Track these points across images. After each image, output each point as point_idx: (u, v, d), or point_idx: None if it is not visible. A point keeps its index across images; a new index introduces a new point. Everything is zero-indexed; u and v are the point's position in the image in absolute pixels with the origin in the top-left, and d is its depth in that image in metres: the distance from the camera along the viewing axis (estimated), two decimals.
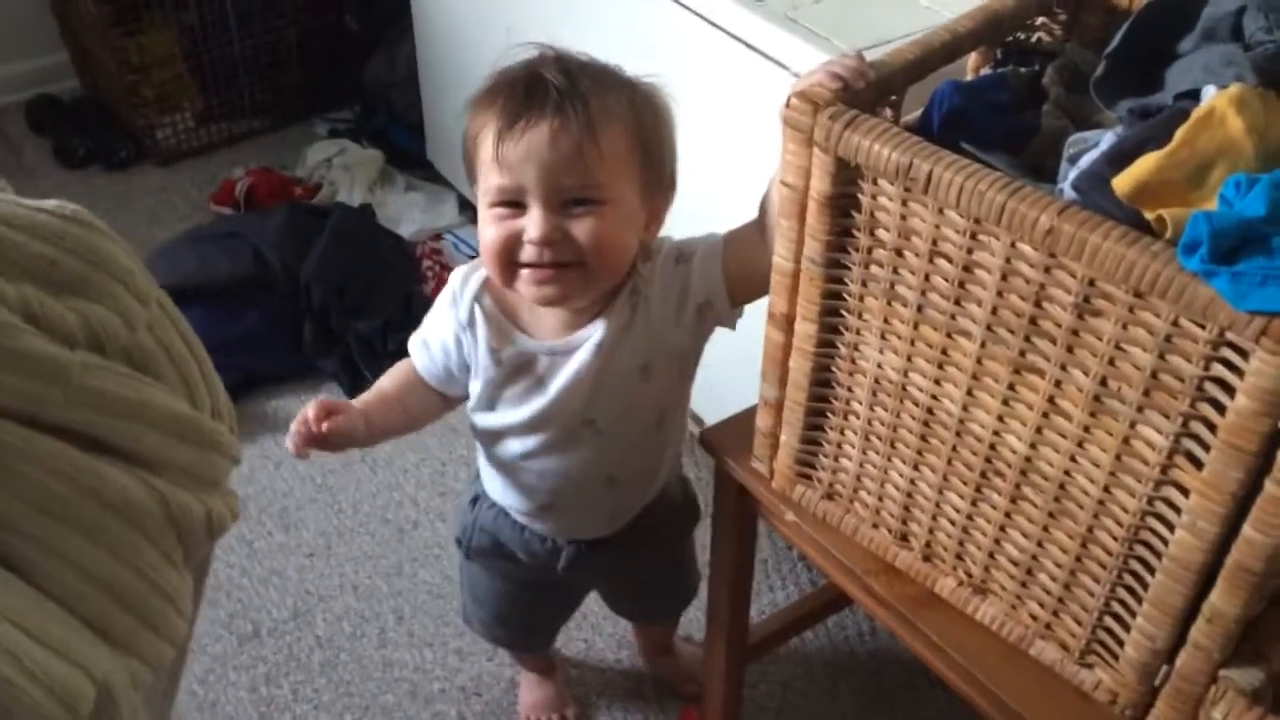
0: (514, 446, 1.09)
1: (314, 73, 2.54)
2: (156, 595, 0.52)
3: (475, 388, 1.07)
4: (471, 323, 1.05)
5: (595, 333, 1.02)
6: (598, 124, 0.94)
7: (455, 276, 1.07)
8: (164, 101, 2.43)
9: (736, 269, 1.01)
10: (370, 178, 2.32)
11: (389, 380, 1.10)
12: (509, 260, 0.97)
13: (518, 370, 1.05)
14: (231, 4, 2.37)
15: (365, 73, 2.45)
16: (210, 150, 2.50)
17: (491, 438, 1.10)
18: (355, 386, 1.90)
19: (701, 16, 1.41)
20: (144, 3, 2.28)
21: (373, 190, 2.30)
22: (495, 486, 1.17)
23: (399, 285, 2.04)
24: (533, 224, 0.95)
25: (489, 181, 0.97)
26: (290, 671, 1.51)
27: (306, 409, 1.03)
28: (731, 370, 1.19)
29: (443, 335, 1.07)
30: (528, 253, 0.96)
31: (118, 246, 0.50)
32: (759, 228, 0.99)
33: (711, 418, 1.19)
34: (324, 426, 1.01)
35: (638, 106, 0.99)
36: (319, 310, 1.94)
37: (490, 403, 1.07)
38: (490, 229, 0.97)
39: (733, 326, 1.06)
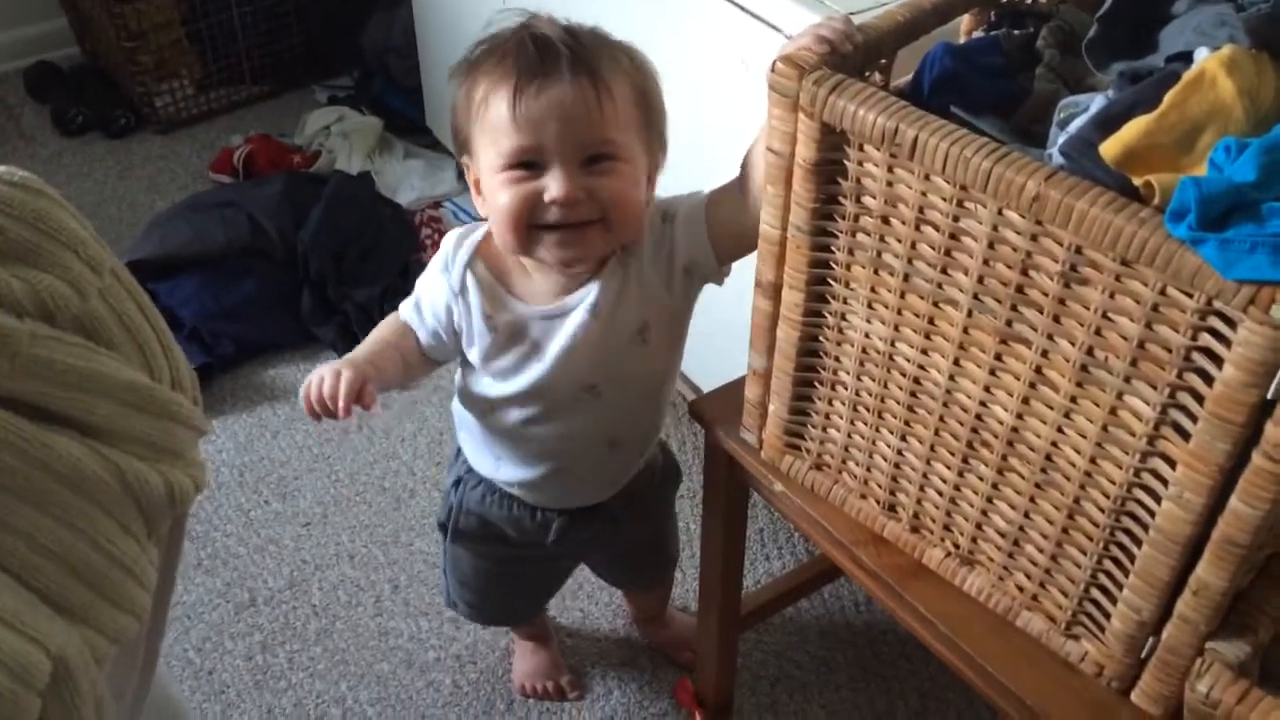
0: (515, 414, 1.08)
1: (313, 39, 2.52)
2: (115, 567, 0.51)
3: (473, 355, 1.06)
4: (464, 290, 1.04)
5: (589, 295, 1.01)
6: (611, 81, 0.94)
7: (449, 240, 1.06)
8: (162, 68, 2.41)
9: (719, 228, 1.00)
10: (369, 145, 2.30)
11: (387, 331, 1.09)
12: (528, 224, 0.96)
13: (512, 337, 1.04)
14: None
15: (364, 39, 2.42)
16: (209, 118, 2.48)
17: (490, 407, 1.09)
18: None
19: None
20: None
21: (371, 158, 2.29)
22: (485, 461, 1.16)
23: (397, 253, 2.03)
24: (555, 183, 0.94)
25: (503, 144, 0.95)
26: (286, 640, 1.51)
27: (341, 377, 0.98)
28: (728, 337, 1.18)
29: (434, 301, 1.06)
30: (551, 214, 0.95)
31: (68, 213, 0.49)
32: (740, 186, 0.98)
33: (708, 386, 1.18)
34: (365, 397, 0.97)
35: (639, 70, 0.99)
36: (316, 279, 1.93)
37: (489, 372, 1.07)
38: (506, 193, 0.95)
39: (720, 282, 1.05)
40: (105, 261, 0.51)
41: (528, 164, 0.95)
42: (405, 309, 1.09)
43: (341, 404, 0.97)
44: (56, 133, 2.44)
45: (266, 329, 1.92)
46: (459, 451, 1.20)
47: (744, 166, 0.98)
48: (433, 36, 2.17)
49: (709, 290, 1.14)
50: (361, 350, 1.07)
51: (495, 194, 0.96)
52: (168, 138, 2.44)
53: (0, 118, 2.49)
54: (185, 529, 0.70)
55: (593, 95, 0.93)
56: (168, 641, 1.50)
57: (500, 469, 1.15)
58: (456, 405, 1.15)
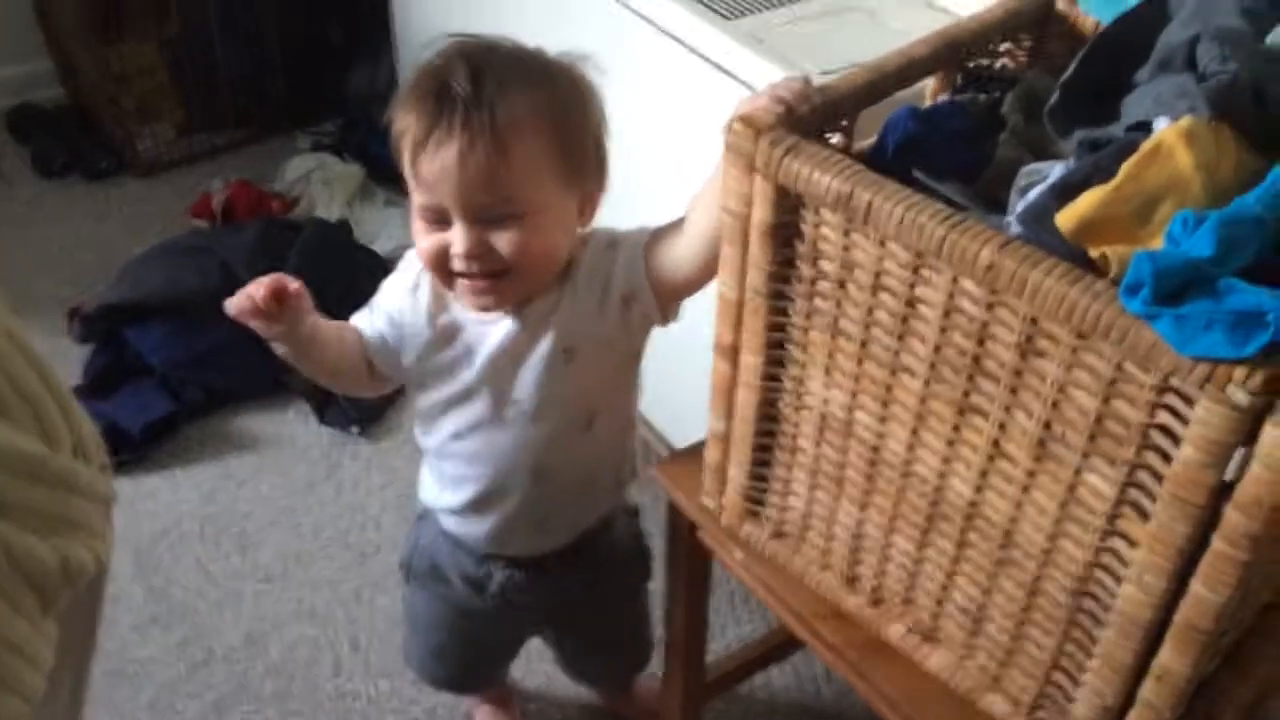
0: (447, 426, 1.08)
1: (297, 85, 2.51)
2: (0, 648, 0.48)
3: (409, 357, 1.05)
4: (416, 288, 1.04)
5: (523, 309, 1.01)
6: (506, 136, 0.92)
7: (410, 253, 1.07)
8: (145, 112, 2.40)
9: (658, 268, 0.99)
10: (349, 193, 2.29)
11: (335, 322, 1.08)
12: (444, 268, 0.98)
13: (447, 337, 1.04)
14: (214, 14, 2.34)
15: (348, 85, 2.42)
16: (191, 162, 2.47)
17: (428, 422, 1.10)
18: (324, 406, 1.87)
19: (670, 34, 1.38)
20: (126, 12, 2.26)
21: (351, 205, 2.27)
22: (430, 487, 1.15)
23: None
24: (457, 239, 0.95)
25: (413, 196, 0.97)
26: (242, 700, 1.47)
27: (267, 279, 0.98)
28: (701, 399, 1.15)
29: (387, 300, 1.07)
30: (457, 264, 0.96)
31: None
32: (682, 229, 0.97)
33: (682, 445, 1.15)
34: (293, 285, 0.97)
35: (554, 102, 0.95)
36: None
37: (424, 378, 1.07)
38: (421, 240, 0.98)
39: (663, 324, 1.03)
40: (1, 324, 0.48)
41: (436, 217, 0.95)
42: (358, 315, 1.09)
43: (261, 290, 0.96)
44: (36, 174, 2.43)
45: (236, 377, 1.89)
46: (420, 485, 1.18)
47: (688, 210, 0.96)
48: None
49: (688, 348, 1.11)
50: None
51: (417, 236, 0.98)
52: (148, 181, 2.43)
53: None
54: (102, 597, 0.67)
55: (484, 157, 0.91)
56: (118, 699, 1.46)
57: (440, 494, 1.13)
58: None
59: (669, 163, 1.41)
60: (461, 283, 0.98)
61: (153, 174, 2.44)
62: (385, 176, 2.36)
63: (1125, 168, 0.66)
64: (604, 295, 1.00)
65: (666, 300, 1.00)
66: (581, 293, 1.01)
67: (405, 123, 0.94)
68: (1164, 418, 0.65)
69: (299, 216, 2.22)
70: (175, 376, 1.85)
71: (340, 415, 1.86)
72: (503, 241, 0.94)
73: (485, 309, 1.00)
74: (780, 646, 1.43)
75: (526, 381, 1.03)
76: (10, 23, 2.53)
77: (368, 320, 1.07)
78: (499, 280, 0.97)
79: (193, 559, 1.64)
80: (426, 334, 1.04)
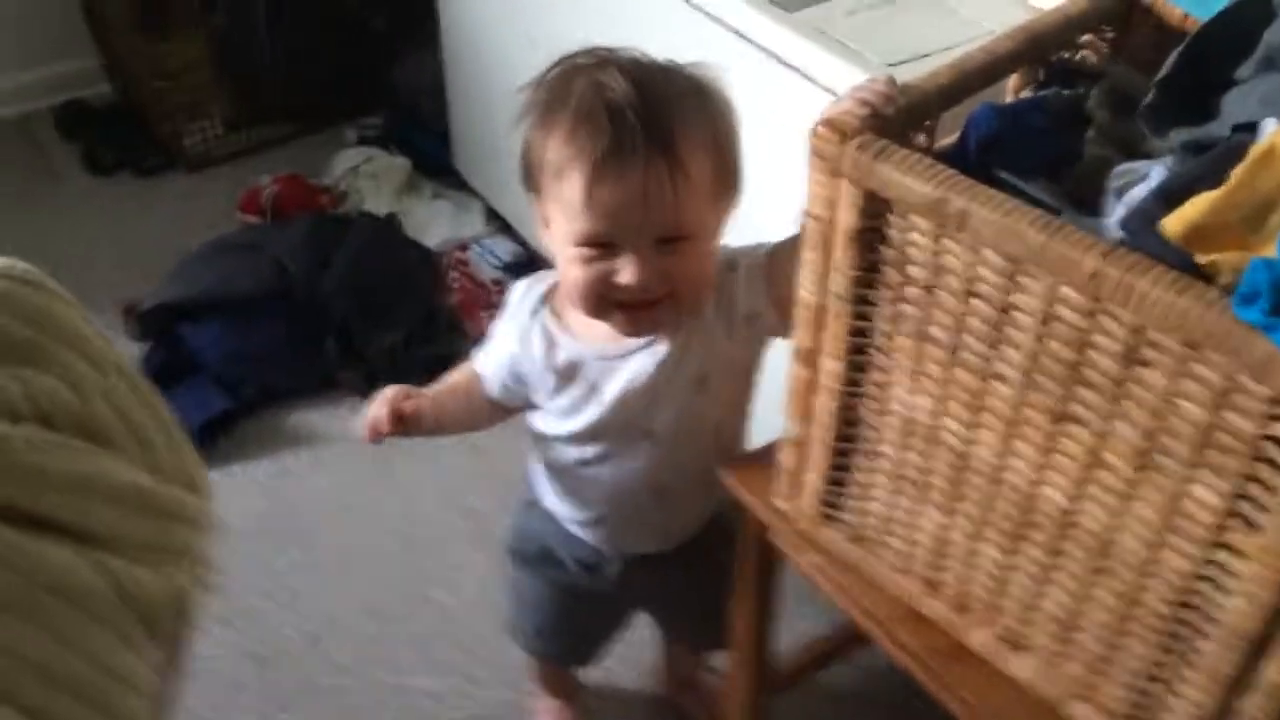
0: (571, 453, 1.08)
1: (343, 78, 2.51)
2: (108, 678, 0.48)
3: (538, 398, 1.07)
4: (528, 335, 1.04)
5: (651, 341, 1.00)
6: (687, 163, 0.91)
7: (516, 289, 1.07)
8: (193, 108, 2.41)
9: (780, 282, 0.96)
10: (397, 186, 2.29)
11: (458, 374, 1.12)
12: (599, 297, 0.96)
13: (569, 377, 1.04)
14: (260, 6, 2.34)
15: (394, 77, 2.42)
16: (239, 157, 2.47)
17: (549, 445, 1.09)
18: None
19: (731, 28, 1.36)
20: (172, 7, 2.26)
21: (399, 198, 2.27)
22: (549, 494, 1.15)
23: (422, 297, 2.00)
24: (628, 270, 0.93)
25: (576, 224, 0.93)
26: (303, 698, 1.48)
27: (385, 393, 1.06)
28: (769, 398, 1.14)
29: (500, 348, 1.07)
30: (623, 293, 0.95)
31: (72, 310, 0.46)
32: (795, 247, 0.94)
33: (751, 444, 1.14)
34: (406, 406, 1.03)
35: (713, 117, 0.95)
36: (340, 323, 1.91)
37: (550, 411, 1.07)
38: (578, 271, 0.95)
39: (786, 335, 1.01)
40: (109, 358, 0.48)
41: (601, 244, 0.93)
42: (478, 356, 1.10)
43: (378, 413, 1.03)
44: (86, 171, 2.44)
45: (290, 374, 1.90)
46: (532, 477, 1.19)
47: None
48: (461, 79, 2.16)
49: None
50: (431, 387, 1.10)
51: (568, 266, 0.96)
52: (197, 177, 2.43)
53: (30, 155, 2.50)
54: (194, 614, 0.67)
55: (668, 180, 0.90)
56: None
57: (560, 505, 1.14)
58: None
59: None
60: (619, 313, 0.96)
61: (201, 170, 2.45)
62: (432, 170, 2.36)
63: (1237, 172, 0.64)
64: (730, 318, 1.00)
65: (789, 314, 0.98)
66: (710, 320, 1.00)
67: (568, 148, 0.91)
68: (1278, 429, 0.63)
69: (348, 211, 2.22)
70: (231, 373, 1.86)
71: None
72: (673, 266, 0.93)
73: (640, 334, 0.99)
74: (845, 643, 1.42)
75: (662, 417, 1.02)
76: (58, 19, 2.54)
77: (488, 366, 1.08)
78: (658, 305, 0.95)
79: (253, 556, 1.65)
80: (550, 379, 1.04)
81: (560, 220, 0.95)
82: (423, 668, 1.51)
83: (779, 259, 0.97)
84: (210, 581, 0.55)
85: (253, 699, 1.47)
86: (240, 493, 1.75)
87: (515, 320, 1.05)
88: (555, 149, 0.92)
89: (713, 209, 0.96)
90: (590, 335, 1.03)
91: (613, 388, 1.01)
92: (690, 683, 1.46)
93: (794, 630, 1.53)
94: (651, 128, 0.89)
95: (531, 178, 0.98)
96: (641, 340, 1.01)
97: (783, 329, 1.00)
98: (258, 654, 1.52)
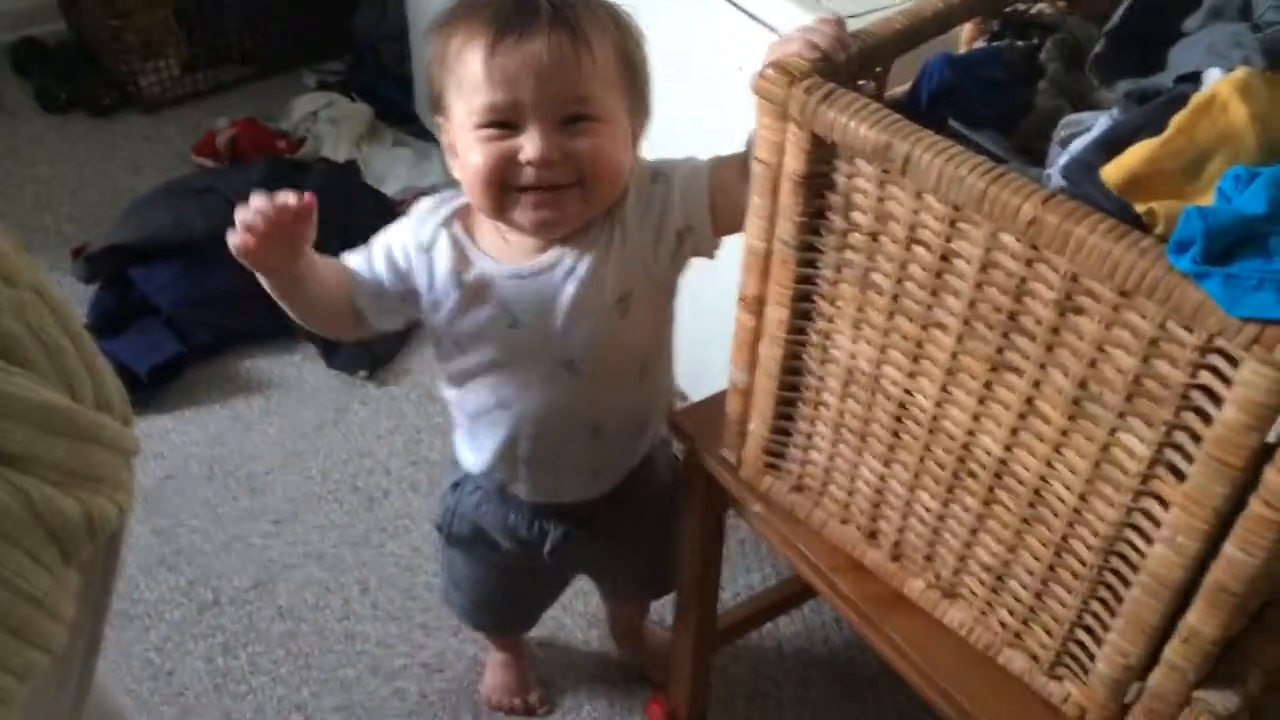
0: (488, 388, 1.03)
1: (303, 22, 2.46)
2: (21, 601, 0.47)
3: (437, 319, 1.00)
4: (433, 245, 0.99)
5: (566, 258, 0.96)
6: (591, 37, 0.90)
7: (423, 202, 1.01)
8: (148, 48, 2.36)
9: (721, 197, 0.95)
10: (357, 132, 2.25)
11: (333, 266, 1.01)
12: (501, 184, 0.92)
13: (478, 295, 0.98)
14: None
15: (355, 24, 2.38)
16: (195, 99, 2.43)
17: (465, 386, 1.04)
18: (332, 350, 1.86)
19: None
20: None
21: (359, 145, 2.24)
22: (471, 454, 1.10)
23: None
24: (531, 143, 0.90)
25: (475, 100, 0.90)
26: (249, 642, 1.47)
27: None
28: (721, 348, 1.14)
29: (391, 248, 0.99)
30: (526, 175, 0.91)
31: None
32: (744, 165, 0.90)
33: (698, 398, 1.13)
34: (306, 197, 0.91)
35: (621, 26, 0.94)
36: None
37: (457, 341, 1.01)
38: (479, 152, 0.91)
39: (711, 255, 1.00)
40: (23, 276, 0.46)
41: (503, 123, 0.90)
42: (351, 256, 1.01)
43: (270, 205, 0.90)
44: (39, 109, 2.39)
45: (244, 319, 1.86)
46: (456, 451, 1.15)
47: (748, 145, 0.93)
48: (424, 24, 2.12)
49: (703, 298, 1.09)
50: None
51: (468, 152, 0.92)
52: (152, 118, 2.39)
53: None
54: (120, 547, 0.66)
55: (571, 50, 0.89)
56: (126, 640, 1.46)
57: (485, 458, 1.08)
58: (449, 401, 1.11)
59: (684, 102, 1.38)
60: (523, 198, 0.92)
61: (157, 111, 2.40)
62: (393, 117, 2.32)
63: (1176, 121, 0.64)
64: (659, 230, 0.97)
65: (722, 232, 0.97)
66: (633, 234, 0.97)
67: (472, 29, 0.90)
68: (1206, 378, 0.64)
69: (306, 156, 2.19)
70: (182, 318, 1.83)
71: (348, 359, 1.85)
72: (579, 146, 0.90)
73: (544, 225, 0.94)
74: (791, 596, 1.43)
75: (581, 340, 0.98)
76: None
77: (364, 264, 1.00)
78: (565, 192, 0.92)
79: (201, 501, 1.64)
80: (454, 295, 0.98)
81: (463, 109, 0.92)
82: (370, 615, 1.51)
83: (722, 168, 0.95)
84: (127, 508, 0.54)
85: (199, 643, 1.46)
86: (190, 438, 1.73)
87: (421, 225, 0.99)
88: (458, 36, 0.91)
89: (620, 105, 0.93)
90: (504, 254, 0.98)
91: (526, 307, 0.97)
92: (636, 632, 1.46)
93: (736, 584, 1.54)
94: (557, 5, 0.89)
95: (435, 91, 0.96)
96: (556, 257, 0.96)
97: (711, 245, 0.99)
98: (204, 599, 1.51)
